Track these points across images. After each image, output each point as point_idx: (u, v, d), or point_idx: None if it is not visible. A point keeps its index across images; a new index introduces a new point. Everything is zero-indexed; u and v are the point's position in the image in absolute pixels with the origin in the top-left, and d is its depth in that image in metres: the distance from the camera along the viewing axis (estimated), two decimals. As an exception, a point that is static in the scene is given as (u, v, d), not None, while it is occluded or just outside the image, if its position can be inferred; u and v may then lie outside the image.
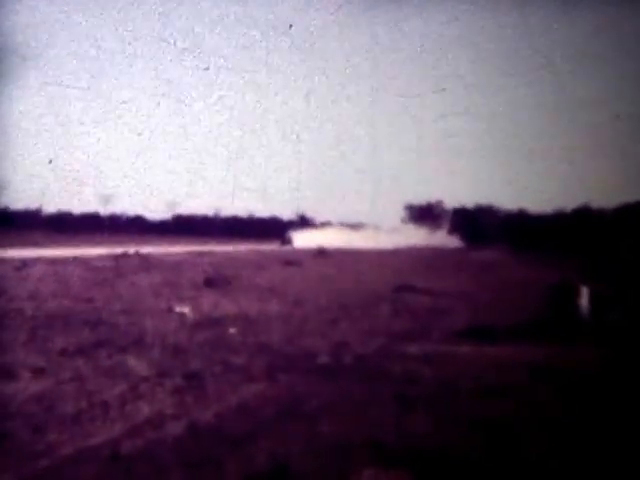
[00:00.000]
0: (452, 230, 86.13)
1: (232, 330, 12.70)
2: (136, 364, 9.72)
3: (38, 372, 9.09)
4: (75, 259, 35.48)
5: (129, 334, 12.08)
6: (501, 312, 15.81)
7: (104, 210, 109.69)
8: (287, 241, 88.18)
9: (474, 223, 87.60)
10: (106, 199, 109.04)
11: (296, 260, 36.37)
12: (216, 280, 21.77)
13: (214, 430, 7.02)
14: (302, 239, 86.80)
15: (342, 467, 6.13)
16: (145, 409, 7.68)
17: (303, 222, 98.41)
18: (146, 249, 44.60)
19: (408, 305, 17.27)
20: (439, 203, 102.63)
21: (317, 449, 6.55)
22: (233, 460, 6.23)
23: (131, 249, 43.37)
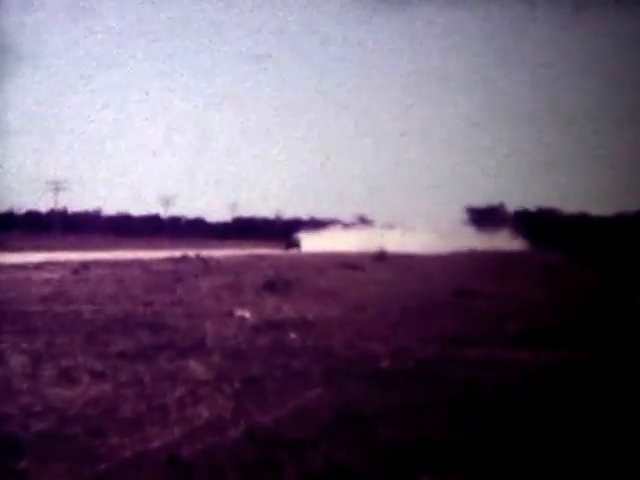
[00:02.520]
0: (515, 233, 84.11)
1: (292, 334, 12.65)
2: (196, 368, 9.72)
3: (97, 376, 9.13)
4: (135, 262, 35.88)
5: (189, 338, 12.11)
6: (562, 316, 15.56)
7: (164, 212, 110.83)
8: (293, 244, 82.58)
9: (537, 226, 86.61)
10: (166, 201, 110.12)
11: (356, 264, 36.31)
12: (276, 284, 21.79)
13: (273, 434, 6.98)
14: (313, 241, 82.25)
15: (400, 472, 6.06)
16: (204, 413, 7.66)
17: (363, 222, 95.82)
18: (206, 252, 44.94)
19: (468, 309, 17.10)
20: (501, 206, 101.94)
21: (375, 453, 6.48)
22: (291, 464, 6.17)
23: (191, 252, 43.73)
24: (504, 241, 75.89)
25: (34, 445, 6.42)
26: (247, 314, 15.06)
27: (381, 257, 47.46)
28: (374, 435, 6.99)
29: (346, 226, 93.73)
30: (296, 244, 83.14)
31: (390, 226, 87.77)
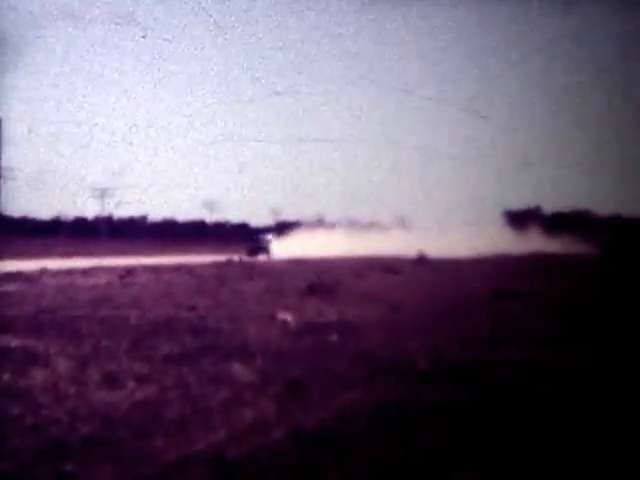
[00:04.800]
0: (551, 235, 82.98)
1: (333, 337, 12.68)
2: (239, 371, 9.78)
3: (142, 379, 9.21)
4: (180, 267, 36.16)
5: (233, 341, 12.17)
6: (599, 319, 15.42)
7: (209, 217, 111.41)
8: (257, 250, 70.67)
9: (572, 228, 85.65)
10: (211, 206, 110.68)
11: (396, 267, 36.27)
12: (318, 287, 21.82)
13: (316, 435, 7.01)
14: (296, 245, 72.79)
15: (439, 471, 6.10)
16: (248, 415, 7.70)
17: (402, 225, 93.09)
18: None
19: (505, 310, 16.99)
20: (537, 208, 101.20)
21: (416, 454, 6.49)
22: (334, 465, 6.21)
23: (236, 256, 43.99)
24: (540, 243, 75.11)
25: (80, 448, 6.49)
26: (289, 317, 15.10)
27: (420, 260, 47.50)
28: (414, 435, 7.01)
29: (383, 228, 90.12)
30: (262, 248, 72.59)
31: (428, 229, 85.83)
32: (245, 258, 50.09)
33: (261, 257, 63.84)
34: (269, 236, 78.47)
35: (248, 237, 79.99)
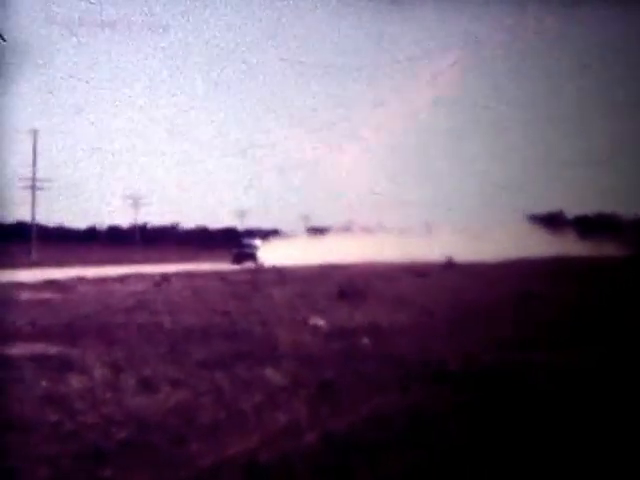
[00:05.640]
0: (576, 239, 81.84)
1: (365, 340, 12.74)
2: (272, 375, 9.88)
3: (177, 384, 9.32)
4: (213, 274, 36.33)
5: (265, 346, 12.26)
6: (625, 321, 15.35)
7: (240, 225, 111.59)
8: (243, 256, 63.72)
9: (596, 231, 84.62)
10: (241, 214, 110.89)
11: (424, 272, 36.22)
12: (349, 292, 21.86)
13: (348, 439, 7.07)
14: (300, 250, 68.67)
15: (472, 472, 6.15)
16: (281, 419, 7.79)
17: (428, 230, 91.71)
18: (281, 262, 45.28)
19: (532, 314, 16.95)
20: (560, 212, 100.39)
21: (447, 454, 6.56)
22: (366, 468, 6.26)
23: (266, 262, 44.11)
24: (567, 246, 74.32)
25: (117, 453, 6.59)
26: (321, 322, 15.17)
27: (448, 265, 47.49)
28: (445, 437, 7.06)
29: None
30: (248, 255, 65.35)
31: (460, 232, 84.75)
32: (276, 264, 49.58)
33: (248, 264, 57.97)
34: (257, 241, 72.40)
35: (234, 243, 72.95)
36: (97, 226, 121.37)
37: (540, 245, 73.05)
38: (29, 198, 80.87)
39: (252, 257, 64.33)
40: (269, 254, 63.74)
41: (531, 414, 7.90)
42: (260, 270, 39.03)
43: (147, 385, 9.26)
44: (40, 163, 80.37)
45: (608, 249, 70.32)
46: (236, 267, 45.19)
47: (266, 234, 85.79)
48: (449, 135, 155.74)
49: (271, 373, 9.97)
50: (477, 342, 12.65)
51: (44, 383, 9.30)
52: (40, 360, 10.73)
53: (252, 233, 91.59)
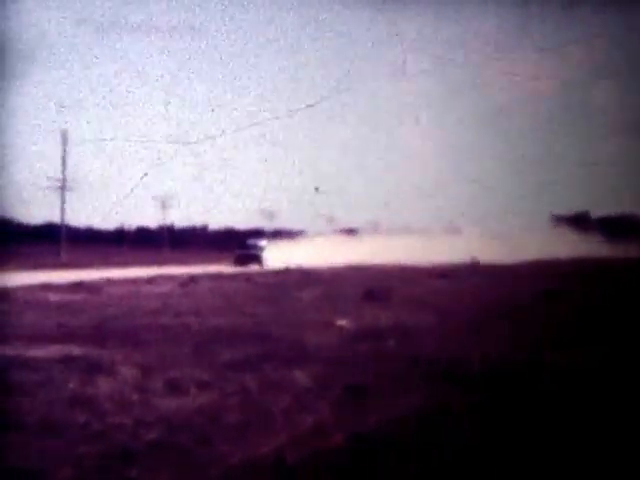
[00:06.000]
0: (601, 240, 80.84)
1: (391, 342, 12.72)
2: (299, 376, 9.90)
3: (204, 386, 9.36)
4: (240, 275, 36.43)
5: (292, 347, 12.30)
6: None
7: (268, 226, 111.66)
8: (246, 258, 58.94)
9: (621, 233, 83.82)
10: (270, 215, 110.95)
11: (449, 273, 36.13)
12: (374, 293, 21.86)
13: (374, 440, 7.06)
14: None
15: (497, 471, 6.21)
16: (308, 420, 7.82)
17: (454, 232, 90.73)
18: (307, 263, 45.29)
19: (556, 315, 16.86)
20: (585, 213, 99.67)
21: (475, 457, 6.55)
22: (393, 468, 6.29)
23: (292, 264, 44.15)
24: (591, 248, 73.68)
25: (144, 454, 6.63)
26: (347, 323, 15.18)
27: (473, 266, 47.35)
28: (470, 438, 7.07)
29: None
30: (252, 257, 60.40)
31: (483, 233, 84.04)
32: (303, 265, 49.02)
33: (253, 267, 55.04)
34: (261, 242, 66.88)
35: (237, 243, 67.91)
36: (125, 227, 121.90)
37: (565, 246, 72.64)
38: (58, 199, 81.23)
39: (256, 259, 59.91)
40: (295, 255, 62.64)
41: (557, 415, 7.88)
42: (286, 271, 39.01)
43: (174, 386, 9.30)
44: (69, 164, 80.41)
45: (634, 250, 69.82)
46: (263, 269, 44.96)
47: (293, 235, 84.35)
48: (475, 136, 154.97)
49: (298, 374, 9.98)
50: (503, 343, 12.63)
51: (72, 385, 9.35)
52: (68, 362, 10.77)
53: (279, 233, 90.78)
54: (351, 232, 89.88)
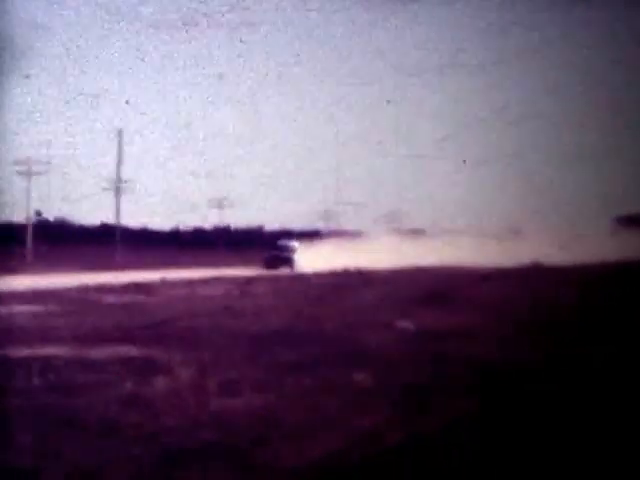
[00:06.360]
0: None
1: (451, 344, 12.55)
2: (358, 377, 9.77)
3: (261, 387, 9.27)
4: (297, 276, 36.53)
5: (351, 348, 12.20)
6: None
7: (325, 226, 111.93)
8: (276, 261, 55.14)
9: None
10: (328, 216, 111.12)
11: (511, 275, 35.84)
12: (435, 295, 21.68)
13: (433, 441, 6.98)
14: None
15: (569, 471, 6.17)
16: (367, 421, 7.67)
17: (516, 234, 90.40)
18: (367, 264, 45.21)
19: (620, 317, 16.51)
20: None
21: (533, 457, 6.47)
22: (453, 470, 6.19)
23: (351, 266, 44.09)
24: None
25: (200, 455, 6.55)
26: (407, 325, 15.05)
27: (536, 268, 46.76)
28: (531, 439, 6.96)
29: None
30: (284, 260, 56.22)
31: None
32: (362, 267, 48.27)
33: (284, 270, 52.01)
34: (293, 243, 62.52)
35: (267, 244, 65.40)
36: (181, 228, 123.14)
37: (628, 248, 71.68)
38: (113, 200, 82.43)
39: (288, 261, 55.82)
40: (354, 256, 61.99)
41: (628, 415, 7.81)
42: (346, 273, 38.91)
43: (231, 387, 9.21)
44: (124, 164, 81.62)
45: None
46: (322, 270, 44.34)
47: (352, 235, 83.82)
48: (538, 135, 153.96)
49: (357, 375, 9.85)
50: (563, 346, 12.42)
51: (129, 385, 9.34)
52: (125, 362, 10.84)
53: (338, 233, 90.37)
54: (414, 233, 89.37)
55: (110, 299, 22.24)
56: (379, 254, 62.27)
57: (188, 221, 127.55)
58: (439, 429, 7.38)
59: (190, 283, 30.59)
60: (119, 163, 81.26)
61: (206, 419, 7.74)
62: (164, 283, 29.79)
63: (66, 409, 8.04)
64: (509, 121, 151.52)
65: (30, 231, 76.78)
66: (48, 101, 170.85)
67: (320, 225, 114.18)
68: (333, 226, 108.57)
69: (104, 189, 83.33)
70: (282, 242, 62.72)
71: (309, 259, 55.66)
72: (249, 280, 32.47)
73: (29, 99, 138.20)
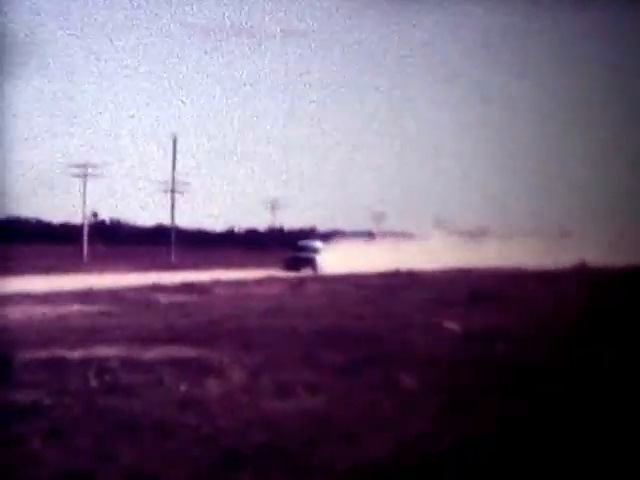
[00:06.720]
0: None
1: (499, 345, 12.57)
2: (406, 379, 9.84)
3: (312, 389, 9.39)
4: (347, 277, 36.55)
5: (399, 349, 12.25)
6: None
7: (377, 227, 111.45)
8: (298, 262, 52.02)
9: None
10: (379, 216, 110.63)
11: (558, 276, 35.45)
12: (482, 296, 21.63)
13: (483, 444, 7.01)
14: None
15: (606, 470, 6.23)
16: (415, 423, 7.77)
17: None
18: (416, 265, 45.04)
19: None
20: None
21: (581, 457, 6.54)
22: (501, 472, 6.27)
23: (403, 267, 43.96)
24: None
25: (254, 458, 6.64)
26: (455, 326, 15.07)
27: (582, 269, 46.22)
28: (579, 439, 7.02)
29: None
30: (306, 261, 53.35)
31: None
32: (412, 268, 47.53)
33: (306, 272, 49.02)
34: (316, 243, 60.10)
35: (290, 246, 61.92)
36: (235, 229, 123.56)
37: None
38: (169, 201, 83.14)
39: (310, 263, 53.04)
40: (404, 257, 61.17)
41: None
42: (395, 274, 38.85)
43: (283, 389, 9.35)
44: (178, 166, 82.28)
45: None
46: (370, 271, 44.06)
47: (402, 236, 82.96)
48: (584, 139, 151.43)
49: (405, 377, 9.92)
50: (608, 347, 12.40)
51: (182, 387, 9.50)
52: (177, 363, 10.91)
53: (388, 234, 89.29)
54: (460, 235, 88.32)
55: (164, 299, 22.41)
56: (430, 255, 61.72)
57: (242, 222, 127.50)
58: (487, 431, 7.42)
59: (243, 283, 30.76)
60: (174, 166, 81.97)
61: (260, 421, 7.83)
62: (218, 283, 29.95)
63: (123, 411, 8.18)
64: (557, 126, 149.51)
65: (86, 232, 77.89)
66: (102, 105, 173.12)
67: (372, 226, 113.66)
68: (385, 227, 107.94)
69: (159, 191, 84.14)
70: (303, 243, 60.74)
71: (346, 259, 52.60)
72: (301, 280, 32.58)
73: (84, 104, 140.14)
